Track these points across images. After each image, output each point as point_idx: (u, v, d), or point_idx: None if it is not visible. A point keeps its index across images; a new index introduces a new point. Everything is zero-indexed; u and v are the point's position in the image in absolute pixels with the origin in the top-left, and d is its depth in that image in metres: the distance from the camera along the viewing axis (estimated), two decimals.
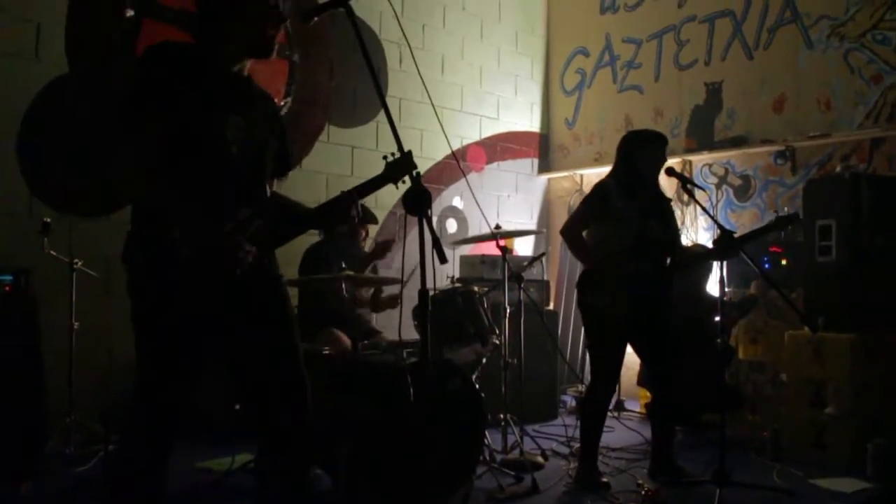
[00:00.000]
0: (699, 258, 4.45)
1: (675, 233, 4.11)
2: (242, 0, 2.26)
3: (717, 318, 3.98)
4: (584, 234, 3.99)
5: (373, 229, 5.89)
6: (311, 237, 4.90)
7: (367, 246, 5.04)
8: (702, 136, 6.54)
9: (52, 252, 4.16)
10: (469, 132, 7.07)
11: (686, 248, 4.61)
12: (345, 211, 2.44)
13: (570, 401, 6.16)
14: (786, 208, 5.71)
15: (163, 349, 2.20)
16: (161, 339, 2.20)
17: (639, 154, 4.00)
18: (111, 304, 4.36)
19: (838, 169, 5.32)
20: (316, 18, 2.46)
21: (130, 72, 2.17)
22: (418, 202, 2.16)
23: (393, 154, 2.43)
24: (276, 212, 2.46)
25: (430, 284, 2.25)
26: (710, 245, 5.66)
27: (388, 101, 6.16)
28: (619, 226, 3.85)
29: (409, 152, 2.38)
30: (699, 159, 6.53)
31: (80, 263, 4.26)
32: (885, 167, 5.33)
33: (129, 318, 2.19)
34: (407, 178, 2.35)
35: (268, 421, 2.37)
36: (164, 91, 2.13)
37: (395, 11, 3.37)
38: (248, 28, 2.27)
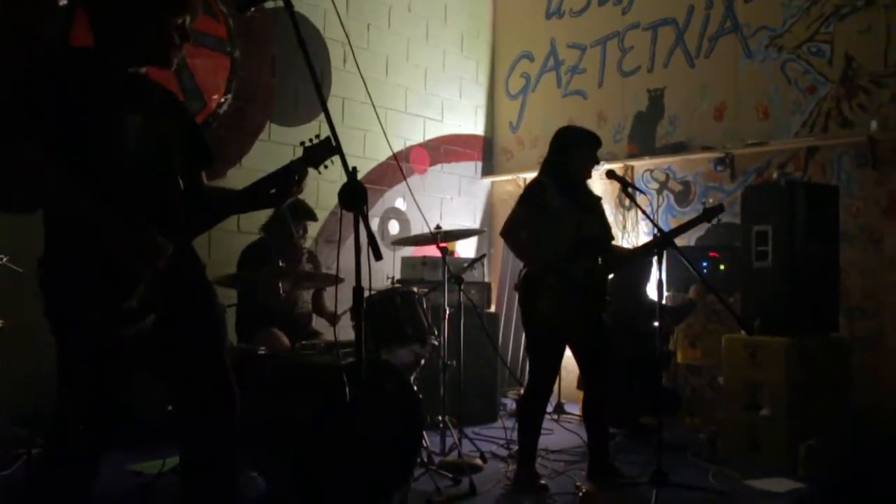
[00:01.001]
0: (635, 254, 4.44)
1: (608, 230, 4.10)
2: (144, 15, 2.23)
3: (656, 323, 4.00)
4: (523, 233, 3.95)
5: (315, 229, 5.82)
6: (249, 237, 4.82)
7: (308, 244, 4.94)
8: (644, 142, 6.61)
9: None
10: (413, 134, 7.04)
11: (620, 248, 4.61)
12: (285, 180, 2.43)
13: (509, 403, 6.16)
14: (711, 200, 5.83)
15: (84, 368, 2.18)
16: (80, 359, 2.18)
17: (574, 152, 3.97)
18: (39, 302, 4.21)
19: (775, 176, 5.41)
20: (252, 9, 2.40)
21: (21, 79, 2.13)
22: (353, 198, 2.12)
23: (311, 140, 2.49)
24: (201, 199, 2.46)
25: (368, 284, 2.20)
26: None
27: (332, 100, 6.19)
28: (558, 225, 3.82)
29: (328, 137, 2.40)
30: (641, 165, 6.59)
31: (5, 259, 4.09)
32: (820, 175, 5.44)
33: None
34: (335, 166, 2.32)
35: (187, 428, 2.36)
36: (57, 100, 2.09)
37: (337, 11, 3.31)
38: (148, 43, 2.26)
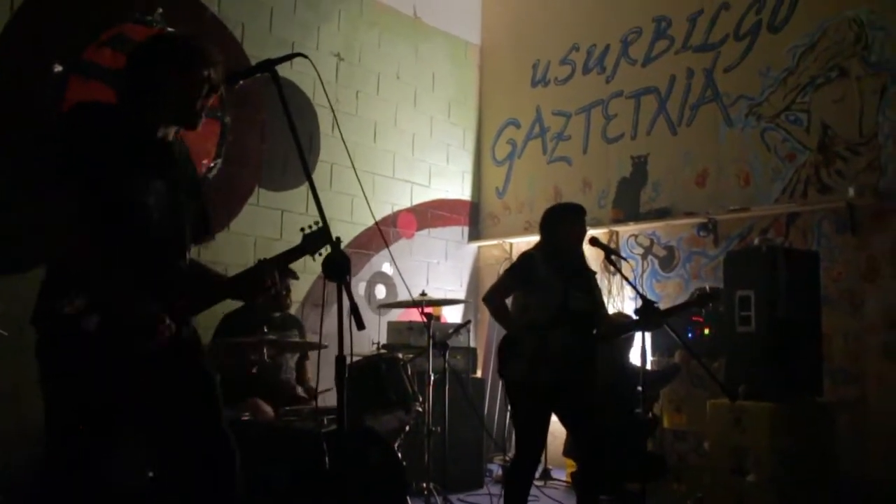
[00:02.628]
0: (623, 329, 4.50)
1: (598, 304, 4.14)
2: (173, 72, 2.26)
3: (640, 388, 4.01)
4: (507, 302, 4.00)
5: (301, 293, 5.84)
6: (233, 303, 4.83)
7: (293, 309, 4.95)
8: (628, 208, 6.69)
9: None
10: (400, 199, 7.11)
11: (611, 318, 4.65)
12: (260, 282, 2.38)
13: (495, 469, 6.10)
14: (707, 286, 5.78)
15: (73, 423, 2.15)
16: (71, 412, 2.14)
17: (560, 227, 4.07)
18: (22, 365, 4.15)
19: (756, 241, 5.48)
20: (241, 82, 2.47)
21: (53, 130, 2.15)
22: (337, 268, 2.15)
23: (310, 226, 2.43)
24: (193, 280, 2.42)
25: (351, 350, 2.22)
26: (632, 313, 5.72)
27: (320, 165, 6.27)
28: (542, 295, 3.86)
29: (326, 225, 2.34)
30: (625, 230, 6.67)
31: None
32: (800, 241, 5.51)
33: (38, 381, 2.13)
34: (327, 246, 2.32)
35: (192, 495, 2.31)
36: (87, 154, 2.11)
37: (320, 79, 3.35)
38: (177, 99, 2.27)
